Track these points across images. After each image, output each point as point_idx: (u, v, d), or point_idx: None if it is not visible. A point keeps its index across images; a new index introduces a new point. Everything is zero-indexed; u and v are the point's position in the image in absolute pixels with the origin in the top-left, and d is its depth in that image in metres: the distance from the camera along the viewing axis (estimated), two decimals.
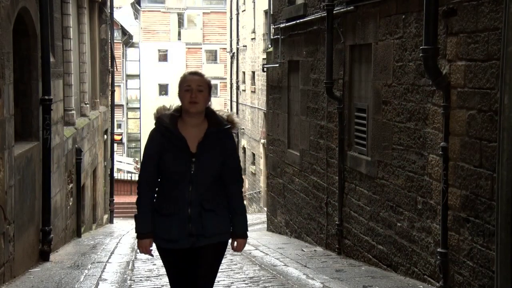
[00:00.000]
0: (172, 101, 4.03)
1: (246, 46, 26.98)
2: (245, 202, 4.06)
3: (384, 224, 7.10)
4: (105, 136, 16.23)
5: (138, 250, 4.09)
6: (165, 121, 3.88)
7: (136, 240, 4.02)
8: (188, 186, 3.83)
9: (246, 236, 4.10)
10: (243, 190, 4.17)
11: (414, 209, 6.35)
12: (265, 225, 13.34)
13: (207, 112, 3.95)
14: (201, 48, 44.81)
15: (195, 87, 3.84)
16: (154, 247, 4.02)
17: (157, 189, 3.96)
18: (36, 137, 7.42)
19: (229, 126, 3.96)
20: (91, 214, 13.48)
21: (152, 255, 4.06)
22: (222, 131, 3.92)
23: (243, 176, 4.18)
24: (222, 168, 3.91)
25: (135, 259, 7.73)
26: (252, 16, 25.19)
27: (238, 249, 4.09)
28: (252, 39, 25.44)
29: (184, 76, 3.96)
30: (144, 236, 3.94)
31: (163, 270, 6.68)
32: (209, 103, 3.98)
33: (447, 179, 5.64)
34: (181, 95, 3.89)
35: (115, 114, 18.14)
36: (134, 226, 4.05)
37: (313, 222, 9.84)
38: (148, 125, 43.35)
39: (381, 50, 7.13)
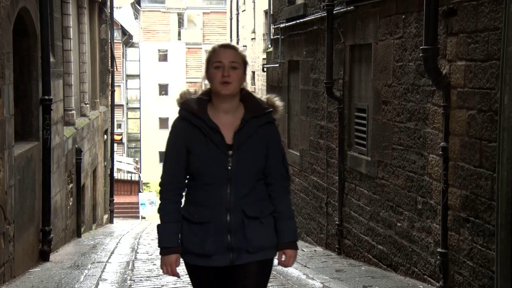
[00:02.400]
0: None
1: (246, 46, 26.96)
2: None
3: (384, 224, 7.10)
4: (105, 136, 16.24)
5: (161, 270, 3.21)
6: (193, 107, 3.11)
7: (160, 256, 3.20)
8: (226, 187, 3.08)
9: (297, 247, 3.24)
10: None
11: (414, 209, 6.35)
12: None
13: (243, 94, 3.18)
14: (201, 48, 44.78)
15: (227, 63, 3.08)
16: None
17: (184, 192, 3.21)
18: (36, 137, 7.42)
19: (270, 110, 3.18)
20: (91, 214, 13.48)
21: (179, 277, 3.25)
22: (262, 117, 3.14)
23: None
24: (265, 162, 3.15)
25: (135, 259, 7.73)
26: (252, 16, 25.19)
27: (287, 263, 3.21)
28: (252, 39, 25.44)
29: (213, 50, 3.14)
30: (170, 251, 3.13)
31: None
32: (245, 83, 3.20)
33: (447, 179, 5.64)
34: (209, 73, 3.11)
35: (115, 114, 18.16)
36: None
37: (313, 222, 9.84)
38: (148, 125, 43.41)
39: (381, 50, 7.13)
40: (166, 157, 3.19)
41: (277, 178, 3.20)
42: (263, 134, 3.14)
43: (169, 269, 3.13)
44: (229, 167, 3.07)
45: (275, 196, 3.20)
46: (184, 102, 3.15)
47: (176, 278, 3.23)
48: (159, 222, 3.19)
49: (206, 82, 3.16)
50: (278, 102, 3.24)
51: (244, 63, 3.16)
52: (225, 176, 3.07)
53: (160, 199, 3.19)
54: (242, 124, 3.11)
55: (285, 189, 3.25)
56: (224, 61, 3.08)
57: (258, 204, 3.13)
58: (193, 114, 3.10)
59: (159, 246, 3.16)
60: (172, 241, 3.12)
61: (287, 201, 3.25)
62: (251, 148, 3.10)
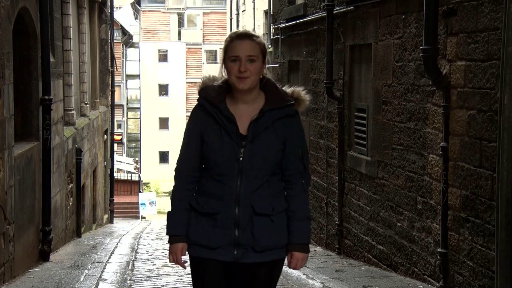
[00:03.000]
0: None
1: None
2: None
3: (384, 224, 7.10)
4: (105, 136, 16.24)
5: (168, 259, 3.16)
6: (211, 95, 3.01)
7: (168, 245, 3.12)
8: (236, 179, 2.96)
9: (307, 250, 3.08)
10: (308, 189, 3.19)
11: (414, 209, 6.35)
12: None
13: (265, 83, 3.04)
14: (201, 48, 44.81)
15: (244, 57, 2.93)
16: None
17: (197, 181, 3.10)
18: (36, 137, 7.41)
19: (293, 102, 3.03)
20: (91, 214, 13.48)
21: (184, 267, 3.15)
22: (282, 110, 3.00)
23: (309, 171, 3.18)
24: (282, 157, 3.01)
25: (135, 259, 7.73)
26: (252, 16, 25.19)
27: (295, 265, 3.06)
28: None
29: (230, 40, 2.98)
30: (176, 239, 3.05)
31: (163, 270, 6.69)
32: (265, 71, 3.04)
33: (447, 179, 5.64)
34: (226, 66, 2.99)
35: (115, 114, 18.17)
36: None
37: (313, 222, 9.84)
38: (148, 125, 43.40)
39: (381, 50, 7.13)
40: (182, 144, 3.11)
41: (294, 175, 3.05)
42: (281, 127, 2.99)
43: (174, 257, 3.05)
44: (241, 158, 2.95)
45: (291, 194, 3.05)
46: (203, 89, 3.04)
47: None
48: (170, 209, 3.13)
49: (225, 72, 3.03)
50: (304, 95, 3.07)
51: (263, 53, 2.99)
52: (236, 167, 2.95)
53: (174, 185, 3.12)
54: (259, 114, 2.97)
55: (302, 187, 3.07)
56: (240, 55, 2.93)
57: (269, 200, 2.99)
58: (210, 102, 3.00)
59: (167, 234, 3.09)
60: (179, 229, 3.04)
61: (303, 200, 3.07)
62: (266, 140, 2.97)
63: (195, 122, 3.04)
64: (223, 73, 3.05)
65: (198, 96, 3.07)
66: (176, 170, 3.11)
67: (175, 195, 3.08)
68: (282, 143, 3.00)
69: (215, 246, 2.97)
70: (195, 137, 3.03)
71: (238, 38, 2.95)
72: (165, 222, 3.18)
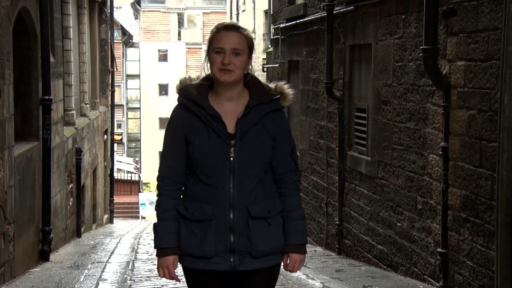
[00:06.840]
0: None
1: None
2: None
3: (384, 224, 7.10)
4: (105, 136, 16.24)
5: (158, 273, 2.93)
6: (192, 93, 2.84)
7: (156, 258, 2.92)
8: (229, 181, 2.80)
9: (304, 251, 2.95)
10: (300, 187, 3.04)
11: (414, 209, 6.35)
12: None
13: (248, 80, 2.91)
14: (201, 48, 44.78)
15: (229, 49, 2.79)
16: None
17: (183, 187, 2.92)
18: (36, 137, 7.42)
19: (279, 96, 2.92)
20: (91, 214, 13.48)
21: (178, 280, 2.96)
22: (269, 104, 2.87)
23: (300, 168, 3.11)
24: (271, 153, 2.87)
25: (135, 259, 7.73)
26: (252, 16, 25.19)
27: (293, 268, 2.93)
28: None
29: (216, 31, 2.85)
30: (167, 252, 2.86)
31: None
32: (250, 67, 2.91)
33: (447, 179, 5.64)
34: (210, 57, 2.83)
35: (115, 114, 18.16)
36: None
37: (313, 222, 9.84)
38: (148, 125, 43.40)
39: (381, 50, 7.13)
40: (164, 148, 2.91)
41: (286, 173, 2.92)
42: (270, 122, 2.86)
43: (166, 271, 2.86)
44: (231, 158, 2.79)
45: (284, 193, 2.91)
46: (183, 88, 2.87)
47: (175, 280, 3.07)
48: (155, 220, 2.95)
49: (208, 65, 2.88)
50: (287, 89, 2.97)
51: (250, 47, 2.86)
52: (227, 168, 2.79)
53: (158, 194, 2.92)
54: (245, 111, 2.83)
55: (295, 185, 2.94)
56: (225, 47, 2.79)
57: (265, 202, 2.85)
58: (193, 101, 2.83)
59: (155, 247, 2.89)
60: (169, 241, 2.84)
61: (297, 199, 2.96)
62: (256, 137, 2.82)
63: (178, 123, 2.86)
64: (206, 67, 2.88)
65: (178, 96, 2.90)
66: (159, 178, 2.91)
67: (161, 205, 2.89)
68: (272, 138, 2.87)
69: (210, 255, 2.80)
70: (179, 139, 2.85)
71: (225, 29, 2.83)
72: None
